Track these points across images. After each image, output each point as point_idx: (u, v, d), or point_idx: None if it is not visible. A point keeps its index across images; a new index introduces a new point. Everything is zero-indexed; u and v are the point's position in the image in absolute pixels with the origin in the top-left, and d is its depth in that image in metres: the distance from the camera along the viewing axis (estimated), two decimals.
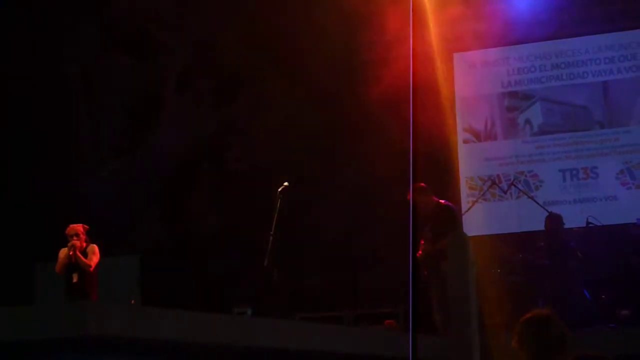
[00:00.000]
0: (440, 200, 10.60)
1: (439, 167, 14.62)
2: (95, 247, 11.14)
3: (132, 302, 12.98)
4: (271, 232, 10.09)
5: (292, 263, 13.30)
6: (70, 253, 10.98)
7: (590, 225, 12.15)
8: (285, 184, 10.45)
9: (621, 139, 14.26)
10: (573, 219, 12.79)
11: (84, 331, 5.61)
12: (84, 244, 11.12)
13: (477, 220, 13.70)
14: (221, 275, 14.49)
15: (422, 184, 10.60)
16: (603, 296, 11.30)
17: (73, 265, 11.02)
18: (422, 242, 10.32)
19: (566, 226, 12.24)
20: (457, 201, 14.53)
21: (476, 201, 13.52)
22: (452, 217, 10.50)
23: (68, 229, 11.17)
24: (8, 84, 15.04)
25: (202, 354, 6.83)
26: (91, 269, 11.04)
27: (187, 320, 6.45)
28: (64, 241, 11.17)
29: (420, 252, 10.21)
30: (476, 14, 14.42)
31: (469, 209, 13.33)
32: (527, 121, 14.75)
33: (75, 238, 11.05)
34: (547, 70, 14.71)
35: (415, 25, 5.54)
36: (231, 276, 14.37)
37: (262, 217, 10.96)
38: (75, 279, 11.01)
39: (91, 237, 11.26)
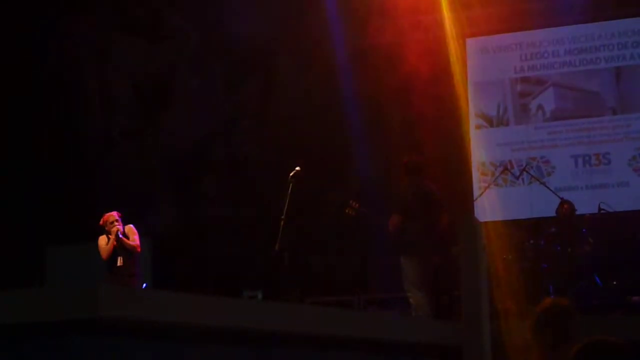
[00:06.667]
0: (413, 182, 10.64)
1: (451, 153, 14.61)
2: (132, 227, 11.20)
3: (144, 285, 13.01)
4: (282, 217, 10.10)
5: (303, 247, 13.31)
6: (115, 243, 10.99)
7: (602, 211, 12.12)
8: (297, 168, 10.45)
9: (634, 125, 14.22)
10: (585, 205, 12.76)
11: (95, 314, 5.63)
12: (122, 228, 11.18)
13: (489, 205, 13.68)
14: (232, 259, 14.51)
15: (416, 159, 10.76)
16: (614, 282, 11.29)
17: (116, 249, 11.06)
18: None
19: (578, 212, 12.22)
20: (469, 187, 14.54)
21: (488, 187, 13.49)
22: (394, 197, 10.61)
23: (105, 216, 11.17)
24: (21, 64, 15.05)
25: (211, 338, 6.85)
26: (138, 249, 11.12)
27: (198, 304, 6.46)
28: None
29: None
30: None
31: (480, 194, 13.31)
32: (540, 107, 14.72)
33: (116, 223, 11.07)
34: (560, 56, 14.66)
35: (428, 10, 5.53)
36: (242, 260, 14.39)
37: (274, 202, 10.96)
38: (120, 263, 11.05)
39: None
